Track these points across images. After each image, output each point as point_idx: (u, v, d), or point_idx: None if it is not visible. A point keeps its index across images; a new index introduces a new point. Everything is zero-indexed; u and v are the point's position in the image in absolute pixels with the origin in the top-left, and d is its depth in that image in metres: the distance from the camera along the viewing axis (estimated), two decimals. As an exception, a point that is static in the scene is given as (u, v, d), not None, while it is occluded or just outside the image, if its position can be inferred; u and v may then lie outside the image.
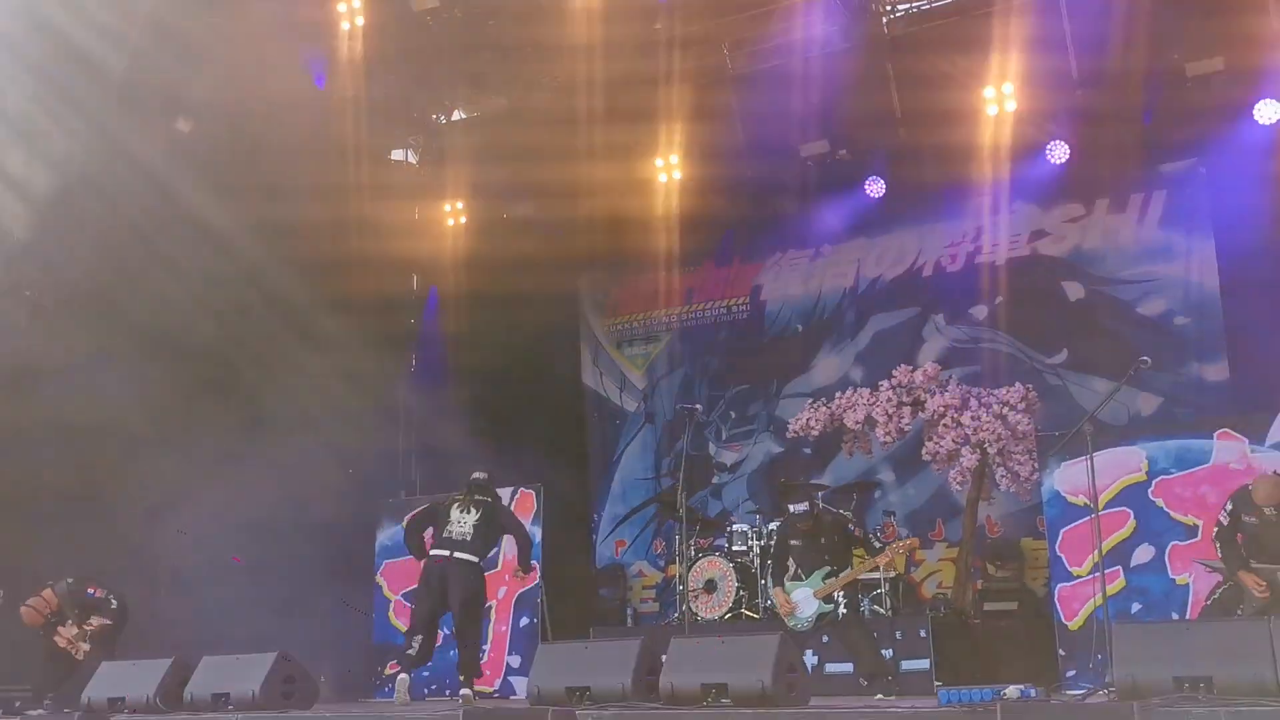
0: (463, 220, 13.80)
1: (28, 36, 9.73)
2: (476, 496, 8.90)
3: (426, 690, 11.06)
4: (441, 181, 13.90)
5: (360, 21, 11.59)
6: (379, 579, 11.77)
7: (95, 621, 9.28)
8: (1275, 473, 7.62)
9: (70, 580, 9.37)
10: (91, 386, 9.89)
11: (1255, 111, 10.53)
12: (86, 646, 9.19)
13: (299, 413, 11.18)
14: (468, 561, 8.64)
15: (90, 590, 9.39)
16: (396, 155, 14.31)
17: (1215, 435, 9.04)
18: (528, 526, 10.98)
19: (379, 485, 12.74)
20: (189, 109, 11.20)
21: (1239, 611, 7.36)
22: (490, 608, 10.91)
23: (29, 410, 9.86)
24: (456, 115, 14.33)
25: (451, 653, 10.84)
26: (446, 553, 8.64)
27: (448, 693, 10.85)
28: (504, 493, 11.21)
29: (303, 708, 7.51)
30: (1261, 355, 10.30)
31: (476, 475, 9.09)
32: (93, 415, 9.87)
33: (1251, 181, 10.49)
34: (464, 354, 13.31)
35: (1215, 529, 7.70)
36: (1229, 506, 7.58)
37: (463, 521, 8.75)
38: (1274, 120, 10.46)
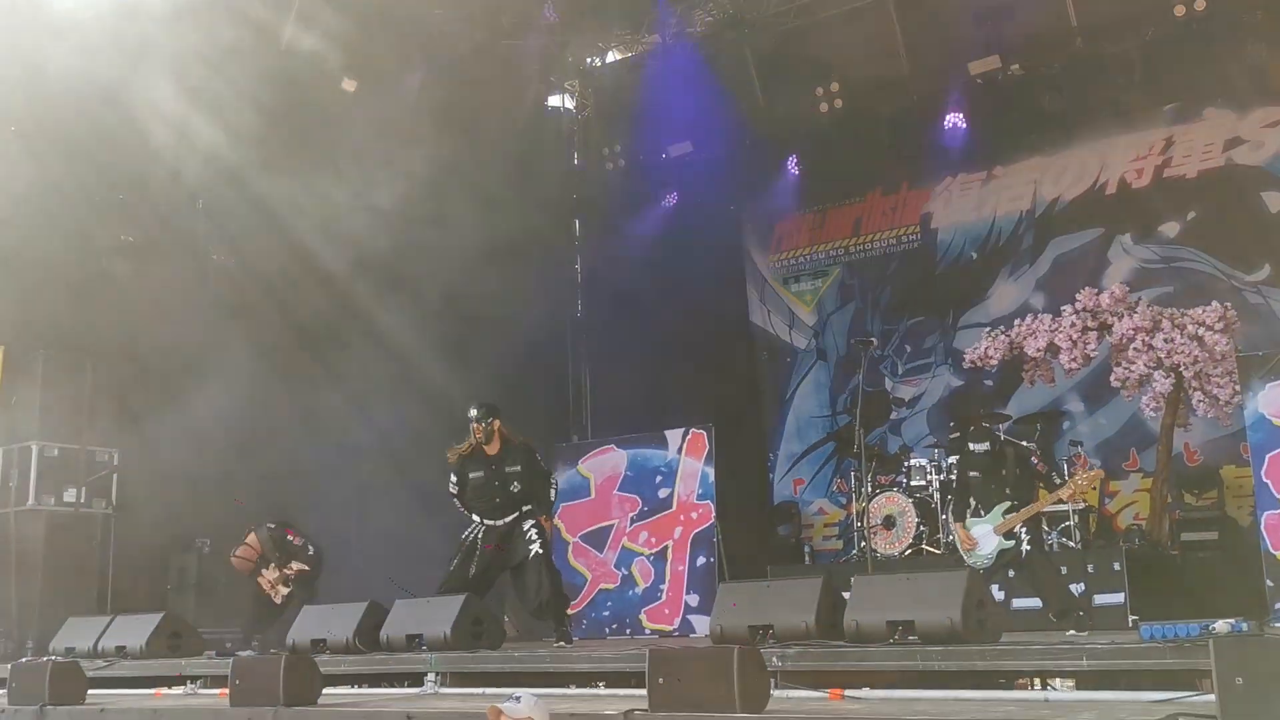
0: (621, 164, 13.78)
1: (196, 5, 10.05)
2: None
3: (608, 629, 11.28)
4: (599, 125, 13.93)
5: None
6: (557, 522, 11.99)
7: (295, 566, 9.71)
8: None
9: (271, 525, 9.83)
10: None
11: None
12: (286, 590, 9.67)
13: (468, 358, 11.39)
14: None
15: (289, 535, 9.83)
16: (554, 101, 14.39)
17: None
18: (700, 467, 11.01)
19: (551, 428, 12.95)
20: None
21: None
22: (668, 547, 11.03)
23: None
24: (611, 57, 14.29)
25: (630, 591, 11.08)
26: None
27: (628, 631, 11.03)
28: (674, 434, 11.27)
29: (491, 648, 7.71)
30: None
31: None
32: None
33: None
34: (628, 298, 13.34)
35: None
36: None
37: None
38: None
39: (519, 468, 8.36)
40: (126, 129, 10.13)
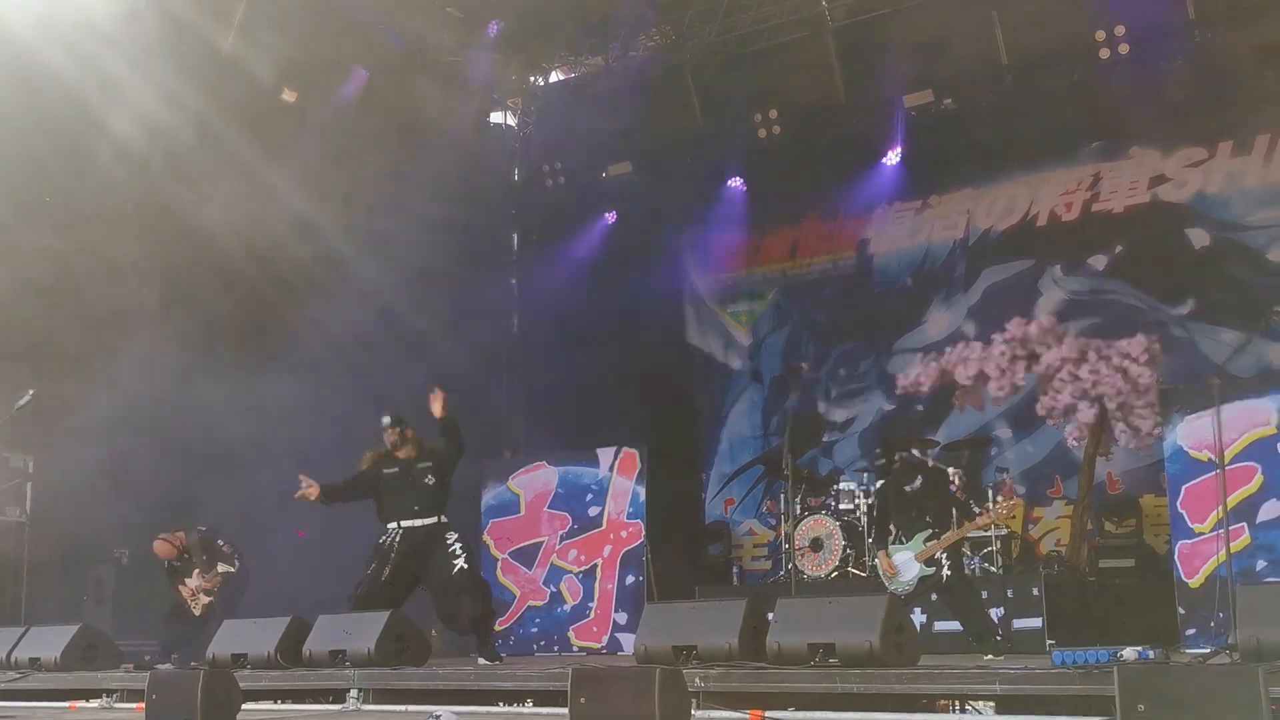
0: (561, 182, 13.84)
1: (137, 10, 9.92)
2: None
3: (535, 646, 11.24)
4: (540, 143, 13.99)
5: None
6: (486, 538, 11.96)
7: (221, 569, 9.56)
8: None
9: (203, 528, 9.71)
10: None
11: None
12: (206, 600, 9.52)
13: (402, 372, 11.32)
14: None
15: (219, 542, 9.71)
16: (496, 118, 14.41)
17: (1351, 387, 8.61)
18: (632, 486, 11.03)
19: (482, 444, 12.88)
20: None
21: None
22: (596, 565, 11.03)
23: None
24: (554, 77, 14.35)
25: (559, 609, 11.05)
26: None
27: (556, 649, 11.00)
28: (606, 452, 11.27)
29: (416, 664, 7.68)
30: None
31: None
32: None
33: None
34: (564, 316, 13.38)
35: None
36: None
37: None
38: None
39: (430, 464, 8.43)
40: (57, 134, 9.97)
